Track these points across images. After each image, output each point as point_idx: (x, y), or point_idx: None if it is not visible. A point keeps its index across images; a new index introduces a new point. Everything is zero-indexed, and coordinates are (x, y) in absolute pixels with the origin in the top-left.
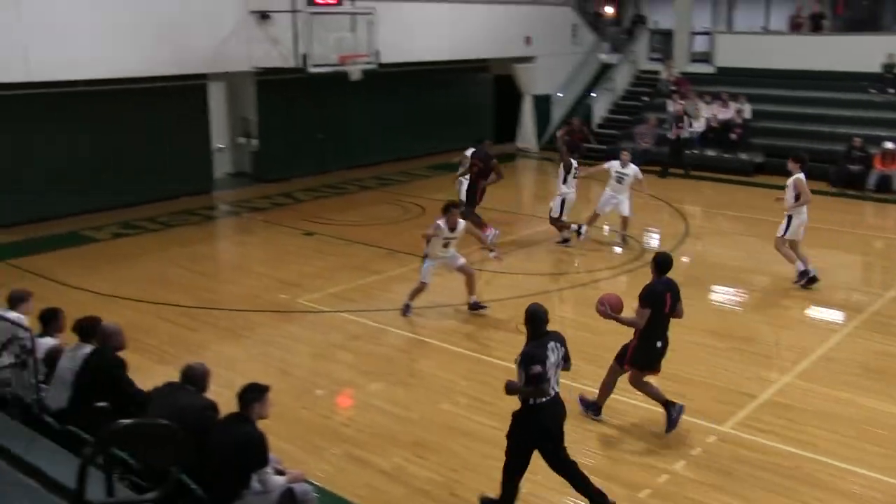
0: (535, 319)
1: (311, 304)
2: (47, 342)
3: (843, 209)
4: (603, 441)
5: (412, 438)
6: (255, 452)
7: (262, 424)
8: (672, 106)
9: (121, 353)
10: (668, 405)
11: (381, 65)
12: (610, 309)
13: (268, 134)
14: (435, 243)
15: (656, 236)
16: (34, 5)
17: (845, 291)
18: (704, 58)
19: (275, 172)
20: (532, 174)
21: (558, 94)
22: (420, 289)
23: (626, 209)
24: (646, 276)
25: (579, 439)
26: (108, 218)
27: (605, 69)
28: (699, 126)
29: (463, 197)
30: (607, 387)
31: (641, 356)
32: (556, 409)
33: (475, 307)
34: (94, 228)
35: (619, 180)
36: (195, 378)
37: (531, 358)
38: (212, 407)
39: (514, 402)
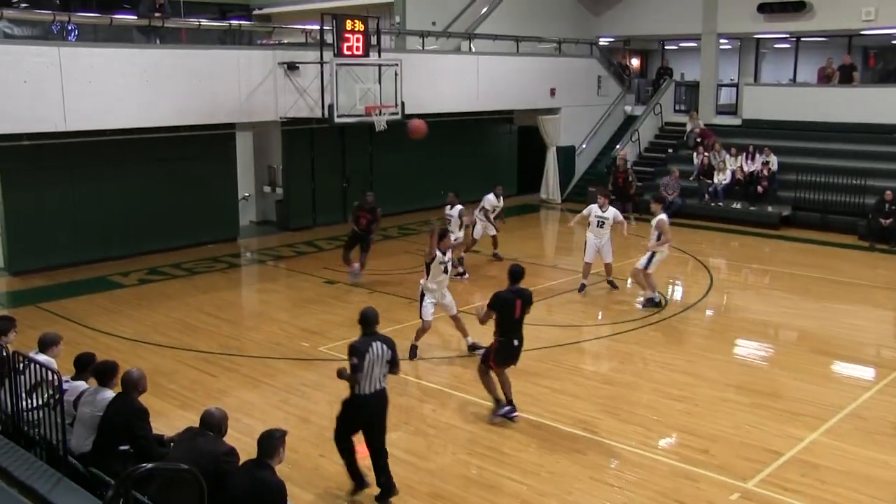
0: (364, 320)
1: (332, 352)
2: (79, 386)
3: (874, 264)
4: (625, 494)
5: (429, 489)
6: (274, 499)
7: (280, 470)
8: (697, 158)
9: (142, 397)
10: (498, 402)
11: (406, 115)
12: (413, 130)
13: (292, 183)
14: (435, 270)
15: (680, 288)
16: (72, 57)
17: (875, 348)
18: (731, 110)
19: (299, 221)
20: (554, 225)
21: (582, 146)
22: (425, 329)
23: (608, 255)
24: (671, 329)
25: (609, 496)
26: (135, 264)
27: (630, 121)
28: (725, 178)
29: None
30: (491, 385)
31: (502, 353)
32: (378, 402)
33: (474, 348)
34: (121, 274)
35: (600, 224)
36: (213, 423)
37: (353, 350)
38: (231, 452)
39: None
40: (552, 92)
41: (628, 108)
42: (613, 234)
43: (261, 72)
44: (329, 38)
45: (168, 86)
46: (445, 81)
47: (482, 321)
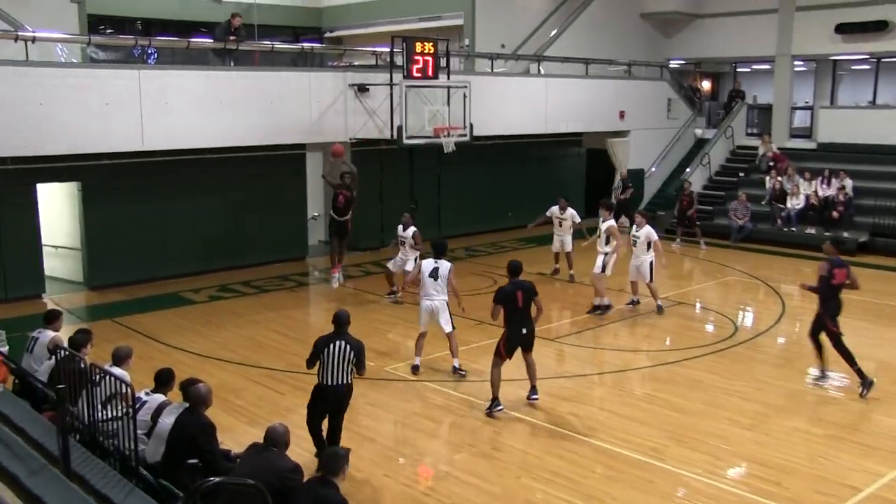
0: (335, 319)
1: (398, 372)
2: (158, 399)
3: None
4: None
5: None
6: None
7: (343, 489)
8: (769, 182)
9: (211, 412)
10: (494, 400)
11: (474, 137)
12: (333, 154)
13: (362, 202)
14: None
15: (751, 315)
16: (150, 80)
17: None
18: (805, 133)
19: (367, 241)
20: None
21: (652, 169)
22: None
23: (646, 275)
24: (741, 356)
25: None
26: (205, 281)
27: (701, 144)
28: (799, 203)
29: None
30: (496, 380)
31: (510, 341)
32: (337, 394)
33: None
34: (192, 291)
35: (634, 243)
36: (276, 438)
37: (315, 344)
38: (296, 469)
39: None
40: (621, 115)
41: (699, 132)
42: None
43: (331, 93)
44: (399, 60)
45: (241, 107)
46: (514, 103)
47: (493, 316)
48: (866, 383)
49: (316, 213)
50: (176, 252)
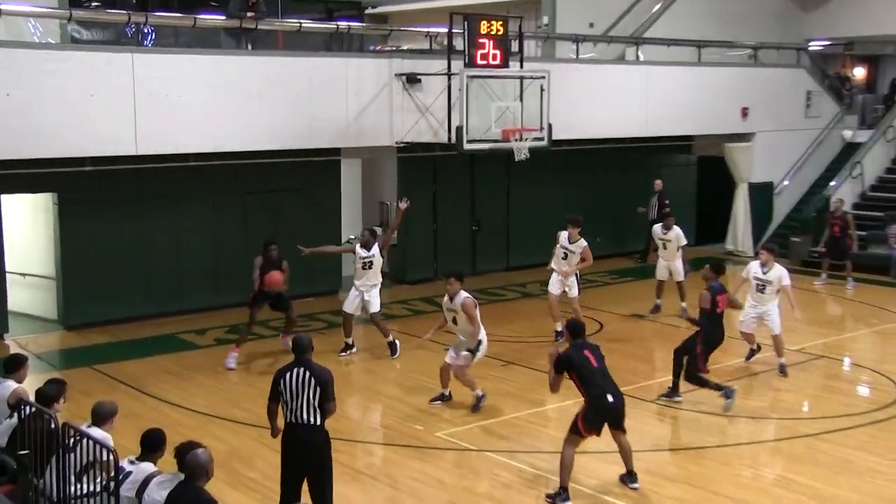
0: (294, 344)
1: (453, 439)
2: (146, 469)
3: None
4: None
5: None
6: None
7: None
8: None
9: (215, 486)
10: (564, 490)
11: (553, 141)
12: (271, 285)
13: (410, 224)
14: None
15: None
16: (147, 66)
17: None
18: None
19: (416, 272)
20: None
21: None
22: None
23: (774, 325)
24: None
25: None
26: (212, 320)
27: (851, 149)
28: None
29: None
30: (567, 467)
31: (595, 413)
32: (305, 438)
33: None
34: (195, 332)
35: (761, 288)
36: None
37: (273, 377)
38: None
39: None
40: (744, 112)
41: (848, 134)
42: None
43: (373, 85)
44: (459, 44)
45: (260, 102)
46: (605, 99)
47: (554, 388)
48: (728, 392)
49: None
50: (174, 284)
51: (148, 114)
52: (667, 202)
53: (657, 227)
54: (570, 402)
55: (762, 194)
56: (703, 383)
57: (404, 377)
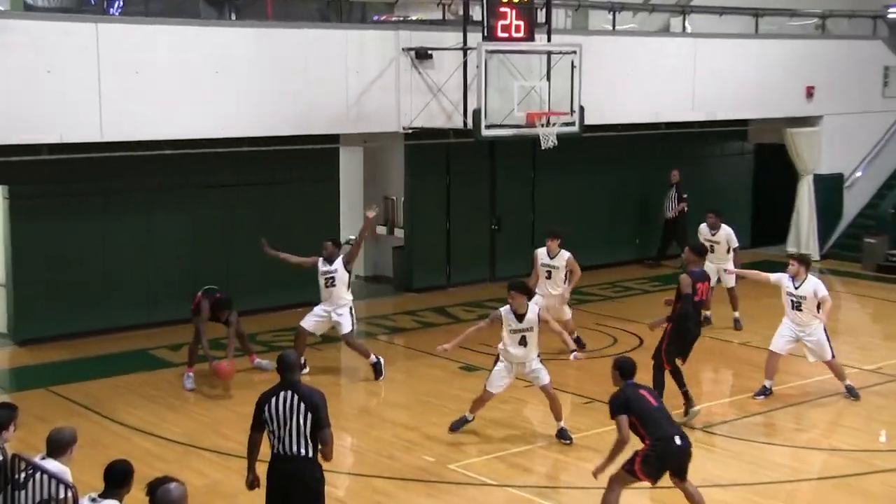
0: (281, 363)
1: (468, 472)
2: None
3: None
4: None
5: None
6: None
7: None
8: None
9: None
10: None
11: (586, 127)
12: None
13: (419, 222)
14: (506, 340)
15: None
16: (114, 38)
17: None
18: None
19: (425, 278)
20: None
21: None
22: (483, 399)
23: (824, 351)
24: None
25: None
26: (189, 334)
27: None
28: None
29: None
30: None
31: (657, 458)
32: (294, 471)
33: (562, 435)
34: (169, 348)
35: (796, 305)
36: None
37: (257, 401)
38: None
39: None
40: (809, 92)
41: None
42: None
43: (378, 61)
44: (477, 14)
45: (246, 80)
46: (646, 77)
47: (624, 437)
48: (691, 410)
49: (353, 237)
50: (145, 292)
51: (114, 94)
52: (685, 195)
53: (704, 227)
54: (604, 429)
55: (830, 188)
56: (660, 383)
57: (411, 400)
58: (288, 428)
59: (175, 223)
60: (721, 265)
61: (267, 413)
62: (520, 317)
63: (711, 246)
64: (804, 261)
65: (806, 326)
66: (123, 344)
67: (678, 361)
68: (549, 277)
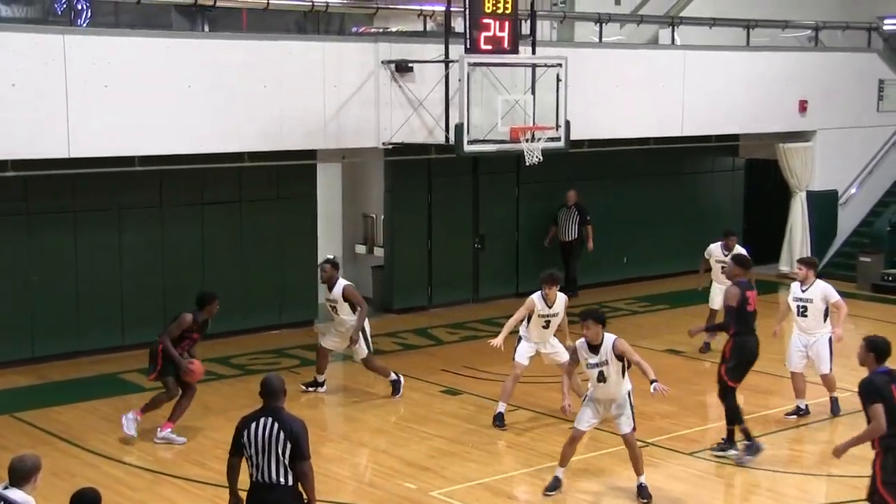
0: (264, 388)
1: (451, 500)
2: None
3: None
4: None
5: None
6: None
7: None
8: None
9: None
10: None
11: (572, 142)
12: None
13: (399, 241)
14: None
15: None
16: (82, 50)
17: None
18: None
19: (406, 299)
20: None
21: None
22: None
23: (823, 362)
24: None
25: None
26: None
27: None
28: None
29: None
30: None
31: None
32: (266, 497)
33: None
34: (139, 371)
35: (802, 311)
36: None
37: (236, 426)
38: None
39: None
40: (803, 106)
41: None
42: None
43: (357, 74)
44: (459, 26)
45: (220, 94)
46: (634, 91)
47: (881, 428)
48: (752, 448)
49: (331, 256)
50: (115, 313)
51: (83, 108)
52: (588, 217)
53: (715, 248)
54: (590, 454)
55: (824, 205)
56: (733, 413)
57: (392, 425)
58: (266, 456)
59: (147, 242)
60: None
61: (245, 438)
62: (593, 348)
63: (723, 267)
64: (810, 263)
65: (812, 334)
66: (93, 368)
67: (729, 381)
68: (546, 327)
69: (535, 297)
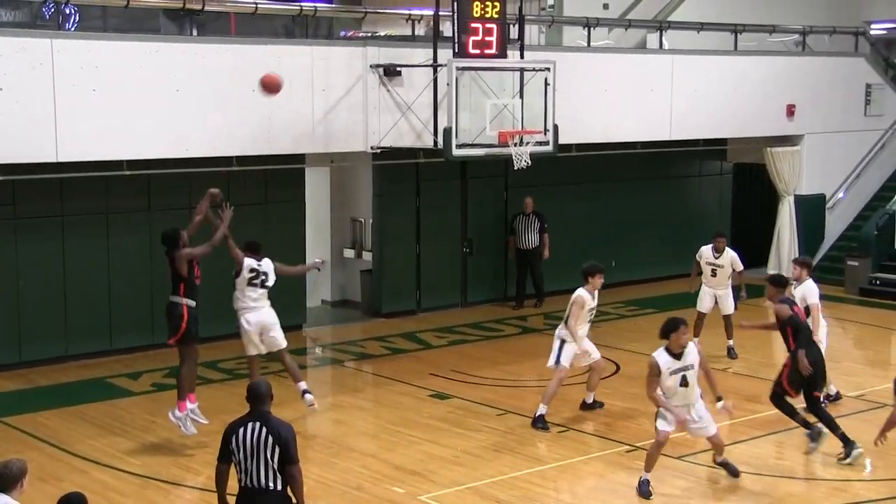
0: (250, 394)
1: (437, 503)
2: None
3: None
4: None
5: None
6: None
7: None
8: None
9: None
10: None
11: (560, 146)
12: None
13: (387, 245)
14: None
15: None
16: (70, 54)
17: None
18: None
19: (395, 303)
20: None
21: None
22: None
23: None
24: None
25: None
26: (148, 361)
27: None
28: None
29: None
30: None
31: None
32: (256, 502)
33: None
34: (127, 376)
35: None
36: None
37: (224, 432)
38: None
39: None
40: (790, 111)
41: None
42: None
43: (345, 78)
44: (447, 30)
45: (208, 98)
46: (622, 95)
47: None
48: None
49: (320, 259)
50: (104, 318)
51: (71, 112)
52: (546, 225)
53: (706, 250)
54: (577, 458)
55: (812, 209)
56: (790, 412)
57: (380, 429)
58: (255, 461)
59: (136, 246)
60: (721, 290)
61: (234, 444)
62: (676, 355)
63: (714, 270)
64: (805, 264)
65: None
66: (80, 372)
67: (791, 393)
68: (591, 321)
69: (582, 293)
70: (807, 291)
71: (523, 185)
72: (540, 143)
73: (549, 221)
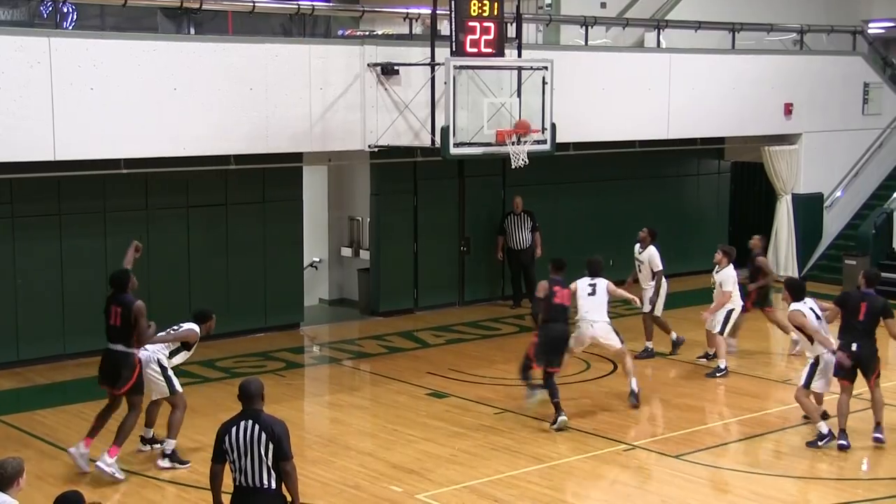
0: (240, 392)
1: (437, 503)
2: None
3: None
4: None
5: None
6: None
7: None
8: None
9: None
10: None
11: (558, 145)
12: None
13: (385, 244)
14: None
15: None
16: (68, 53)
17: None
18: None
19: (392, 302)
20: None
21: (838, 195)
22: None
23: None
24: None
25: None
26: None
27: None
28: None
29: None
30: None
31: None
32: (250, 501)
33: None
34: None
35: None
36: None
37: (217, 432)
38: None
39: None
40: (788, 109)
41: None
42: None
43: (342, 77)
44: (445, 29)
45: (206, 97)
46: (619, 94)
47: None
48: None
49: (317, 259)
50: (100, 317)
51: (68, 111)
52: (537, 223)
53: (637, 246)
54: (576, 457)
55: (810, 208)
56: (526, 378)
57: (377, 428)
58: (249, 459)
59: (129, 244)
60: (645, 289)
61: (227, 444)
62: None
63: (639, 266)
64: (728, 252)
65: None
66: (77, 371)
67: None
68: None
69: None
70: (724, 279)
71: (521, 185)
72: (538, 142)
73: (547, 220)
